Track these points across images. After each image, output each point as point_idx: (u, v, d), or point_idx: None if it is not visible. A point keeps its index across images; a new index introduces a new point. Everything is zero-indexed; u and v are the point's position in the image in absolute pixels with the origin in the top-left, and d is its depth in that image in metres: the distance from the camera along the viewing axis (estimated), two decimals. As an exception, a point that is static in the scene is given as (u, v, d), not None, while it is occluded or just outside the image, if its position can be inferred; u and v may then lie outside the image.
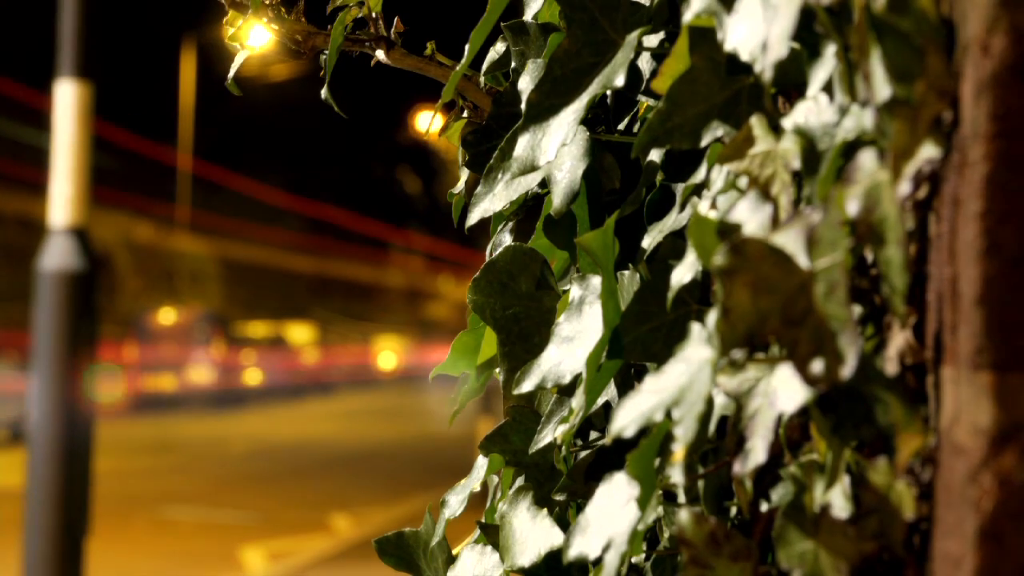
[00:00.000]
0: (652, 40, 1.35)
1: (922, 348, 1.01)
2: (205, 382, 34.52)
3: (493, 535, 1.51)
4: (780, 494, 1.10)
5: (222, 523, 12.96)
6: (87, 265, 6.56)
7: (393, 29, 1.62)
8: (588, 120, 1.42)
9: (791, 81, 1.10)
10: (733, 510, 1.24)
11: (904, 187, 0.94)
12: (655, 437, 1.07)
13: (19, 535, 6.53)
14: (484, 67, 1.62)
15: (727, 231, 1.00)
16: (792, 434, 1.08)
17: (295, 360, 41.35)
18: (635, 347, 1.26)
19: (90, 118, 6.69)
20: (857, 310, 1.03)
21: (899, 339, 1.02)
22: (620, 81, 1.28)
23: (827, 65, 1.06)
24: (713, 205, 1.17)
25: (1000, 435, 0.92)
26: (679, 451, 1.02)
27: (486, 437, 1.52)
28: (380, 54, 1.62)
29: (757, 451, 0.97)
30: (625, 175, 1.44)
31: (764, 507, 1.10)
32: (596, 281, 1.34)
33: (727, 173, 1.15)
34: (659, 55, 1.38)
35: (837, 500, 1.00)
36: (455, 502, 1.58)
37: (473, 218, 1.50)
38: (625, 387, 1.38)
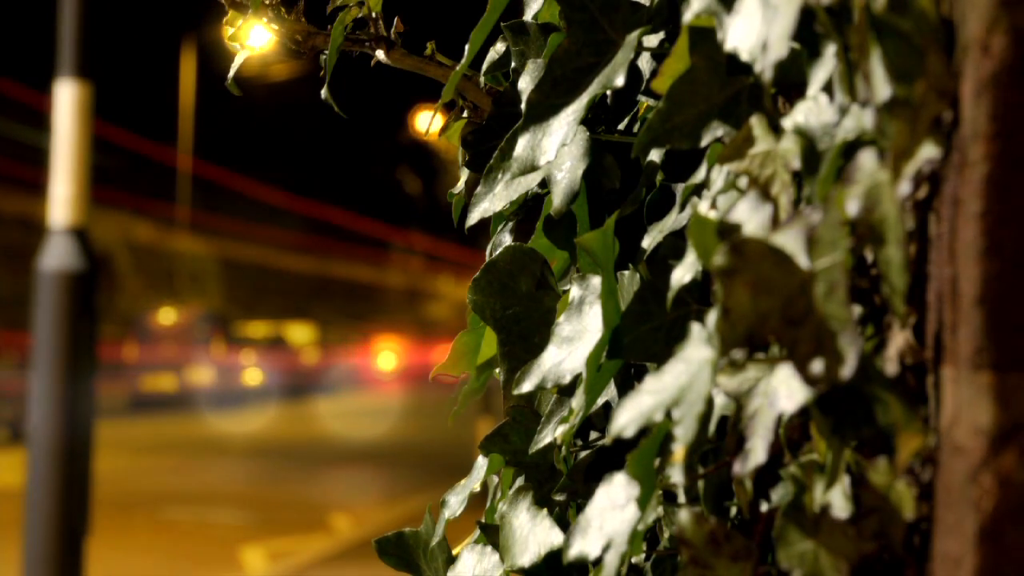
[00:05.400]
0: (652, 40, 1.35)
1: (922, 348, 1.01)
2: (205, 382, 34.49)
3: (493, 535, 1.51)
4: (780, 494, 1.10)
5: (222, 523, 12.96)
6: (87, 265, 6.55)
7: (393, 29, 1.62)
8: (588, 120, 1.42)
9: (791, 81, 1.10)
10: (733, 510, 1.24)
11: (904, 187, 0.94)
12: (655, 437, 1.07)
13: (19, 535, 6.52)
14: (484, 67, 1.61)
15: (727, 231, 1.00)
16: (792, 434, 1.08)
17: (295, 360, 41.32)
18: (635, 347, 1.26)
19: (90, 118, 6.69)
20: (857, 310, 1.03)
21: (899, 339, 1.02)
22: (620, 81, 1.28)
23: (827, 65, 1.06)
24: (713, 205, 1.17)
25: (1000, 435, 0.92)
26: (679, 451, 1.02)
27: (486, 437, 1.52)
28: (380, 54, 1.62)
29: (757, 451, 0.97)
30: (625, 175, 1.44)
31: (764, 507, 1.10)
32: (596, 281, 1.34)
33: (727, 173, 1.15)
34: (659, 55, 1.38)
35: (837, 500, 1.00)
36: (455, 502, 1.58)
37: (473, 218, 1.50)
38: (625, 387, 1.38)
